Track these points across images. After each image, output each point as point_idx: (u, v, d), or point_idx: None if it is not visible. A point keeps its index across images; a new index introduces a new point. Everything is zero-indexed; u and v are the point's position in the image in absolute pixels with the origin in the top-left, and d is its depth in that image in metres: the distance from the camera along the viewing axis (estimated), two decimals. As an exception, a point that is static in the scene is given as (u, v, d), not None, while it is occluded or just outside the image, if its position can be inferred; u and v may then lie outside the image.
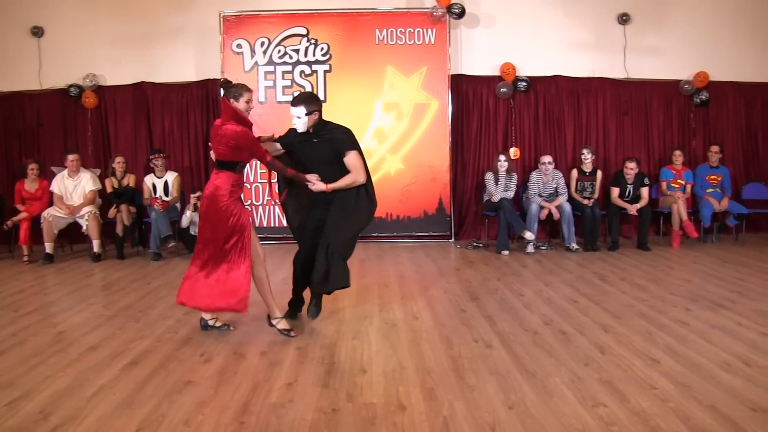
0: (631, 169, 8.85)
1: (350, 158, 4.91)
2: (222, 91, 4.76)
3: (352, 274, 6.99)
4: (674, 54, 9.85)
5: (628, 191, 8.91)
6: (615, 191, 8.94)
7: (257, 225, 9.45)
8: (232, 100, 4.65)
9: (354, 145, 4.96)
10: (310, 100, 4.85)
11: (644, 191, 8.89)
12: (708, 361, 4.06)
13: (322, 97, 9.27)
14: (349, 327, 5.01)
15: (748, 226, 9.43)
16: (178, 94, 9.72)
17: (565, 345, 4.45)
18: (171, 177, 8.76)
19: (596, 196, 8.98)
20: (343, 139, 4.96)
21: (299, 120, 4.83)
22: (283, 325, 4.85)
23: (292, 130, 5.00)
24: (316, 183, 4.90)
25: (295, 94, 5.37)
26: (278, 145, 5.06)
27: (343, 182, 4.91)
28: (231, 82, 4.94)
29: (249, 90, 4.73)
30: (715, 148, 9.30)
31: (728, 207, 9.02)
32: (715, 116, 9.99)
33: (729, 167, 9.57)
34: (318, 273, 4.87)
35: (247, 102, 4.70)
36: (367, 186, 5.06)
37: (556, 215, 8.56)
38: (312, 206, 5.14)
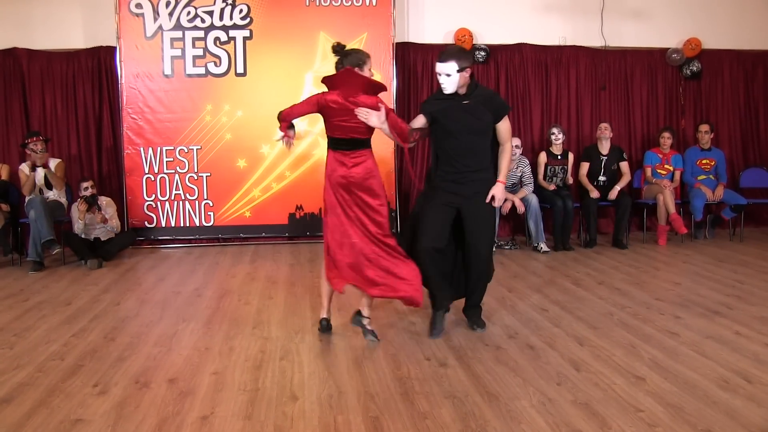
0: (605, 129, 9.00)
1: (505, 124, 5.09)
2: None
3: (278, 280, 7.01)
4: (661, 18, 10.03)
5: (602, 165, 9.01)
6: (585, 166, 9.07)
7: (164, 225, 9.33)
8: (357, 69, 4.87)
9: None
10: (461, 55, 4.96)
11: (624, 166, 9.05)
12: (702, 377, 4.15)
13: (241, 70, 9.25)
14: (275, 345, 4.98)
15: (747, 218, 9.63)
16: (62, 64, 9.46)
17: (533, 362, 4.51)
18: (53, 165, 8.51)
19: (570, 182, 9.09)
20: (502, 101, 5.18)
21: (448, 79, 4.90)
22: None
23: (433, 96, 5.21)
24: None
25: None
26: (422, 118, 5.14)
27: (506, 165, 5.16)
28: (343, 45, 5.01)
29: (369, 55, 5.02)
30: (704, 127, 9.38)
31: (723, 197, 9.13)
32: (709, 90, 10.23)
33: (724, 150, 9.76)
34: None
35: (370, 69, 5.00)
36: None
37: (520, 209, 8.60)
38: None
